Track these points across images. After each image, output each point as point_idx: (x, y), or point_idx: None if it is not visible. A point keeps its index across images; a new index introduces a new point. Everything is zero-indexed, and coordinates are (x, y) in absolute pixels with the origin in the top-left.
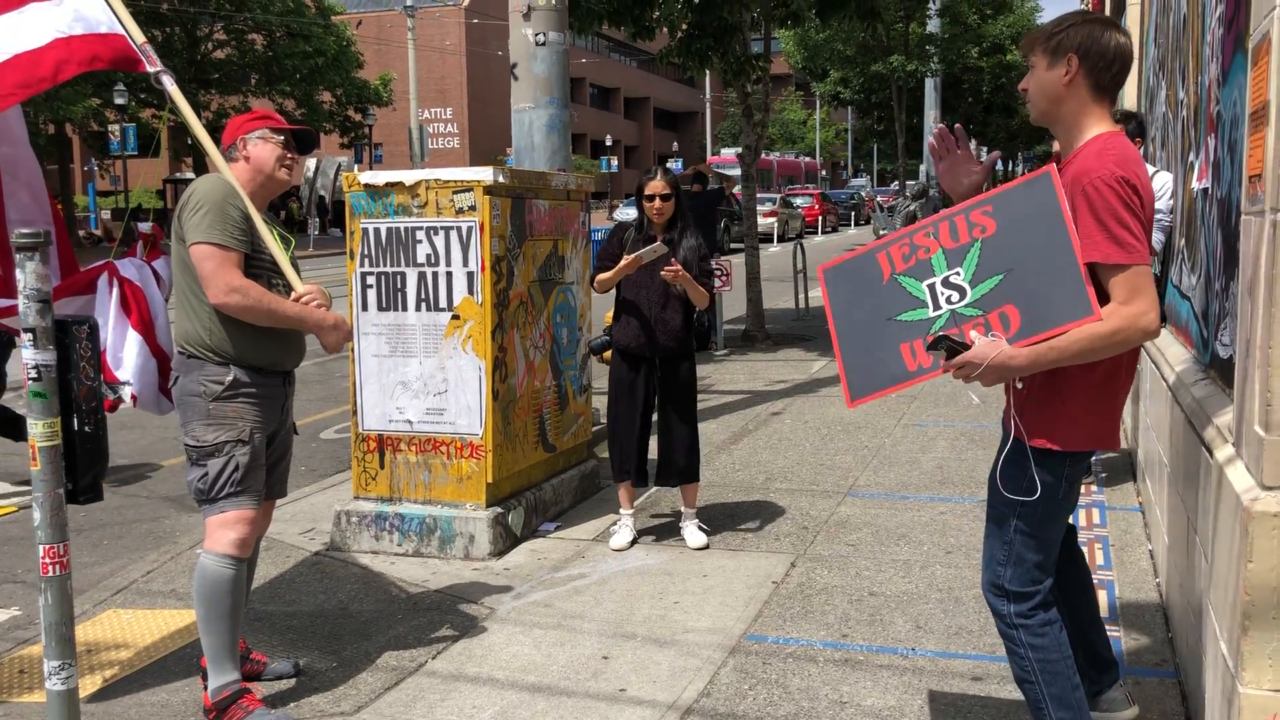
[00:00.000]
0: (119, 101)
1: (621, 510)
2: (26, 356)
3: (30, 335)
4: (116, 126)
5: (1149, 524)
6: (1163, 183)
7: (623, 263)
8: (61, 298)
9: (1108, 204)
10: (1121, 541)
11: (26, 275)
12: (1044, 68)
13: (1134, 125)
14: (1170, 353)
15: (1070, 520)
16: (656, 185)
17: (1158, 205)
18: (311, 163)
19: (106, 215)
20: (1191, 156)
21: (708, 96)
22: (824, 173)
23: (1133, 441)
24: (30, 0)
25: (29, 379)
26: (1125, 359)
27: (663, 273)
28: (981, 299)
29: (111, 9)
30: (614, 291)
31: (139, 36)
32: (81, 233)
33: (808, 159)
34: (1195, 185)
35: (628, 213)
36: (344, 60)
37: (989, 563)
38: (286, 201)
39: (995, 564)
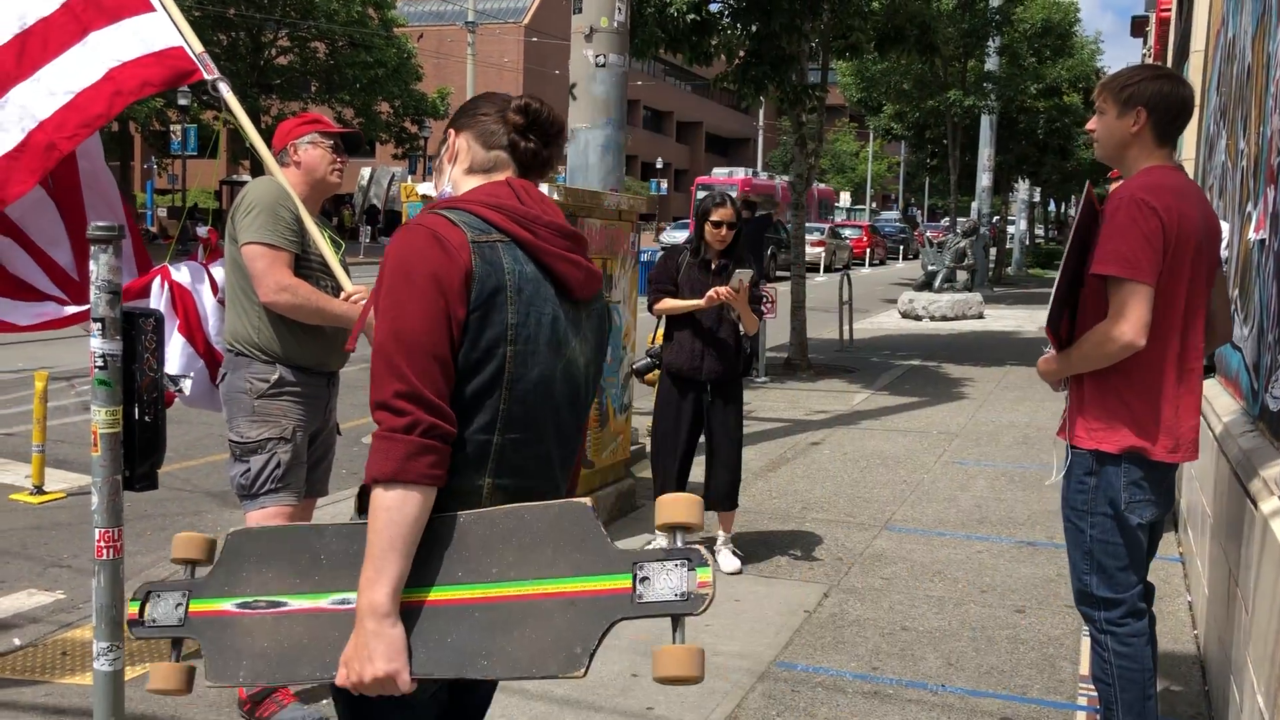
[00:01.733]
0: (182, 103)
1: (659, 530)
2: (94, 345)
3: (99, 325)
4: (178, 127)
5: (1189, 575)
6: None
7: (720, 294)
8: (124, 300)
9: (1117, 221)
10: (1161, 592)
11: (99, 267)
12: (1114, 115)
13: None
14: (1219, 403)
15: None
16: (726, 213)
17: None
18: (365, 171)
19: (163, 213)
20: (1250, 207)
21: (760, 124)
22: (843, 203)
23: (1176, 491)
24: (90, 29)
25: (95, 367)
26: (1168, 366)
27: (722, 290)
28: None
29: (172, 20)
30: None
31: (197, 46)
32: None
33: (822, 186)
34: (1252, 236)
35: (675, 236)
36: (404, 72)
37: (1074, 573)
38: (340, 208)
39: (1080, 574)
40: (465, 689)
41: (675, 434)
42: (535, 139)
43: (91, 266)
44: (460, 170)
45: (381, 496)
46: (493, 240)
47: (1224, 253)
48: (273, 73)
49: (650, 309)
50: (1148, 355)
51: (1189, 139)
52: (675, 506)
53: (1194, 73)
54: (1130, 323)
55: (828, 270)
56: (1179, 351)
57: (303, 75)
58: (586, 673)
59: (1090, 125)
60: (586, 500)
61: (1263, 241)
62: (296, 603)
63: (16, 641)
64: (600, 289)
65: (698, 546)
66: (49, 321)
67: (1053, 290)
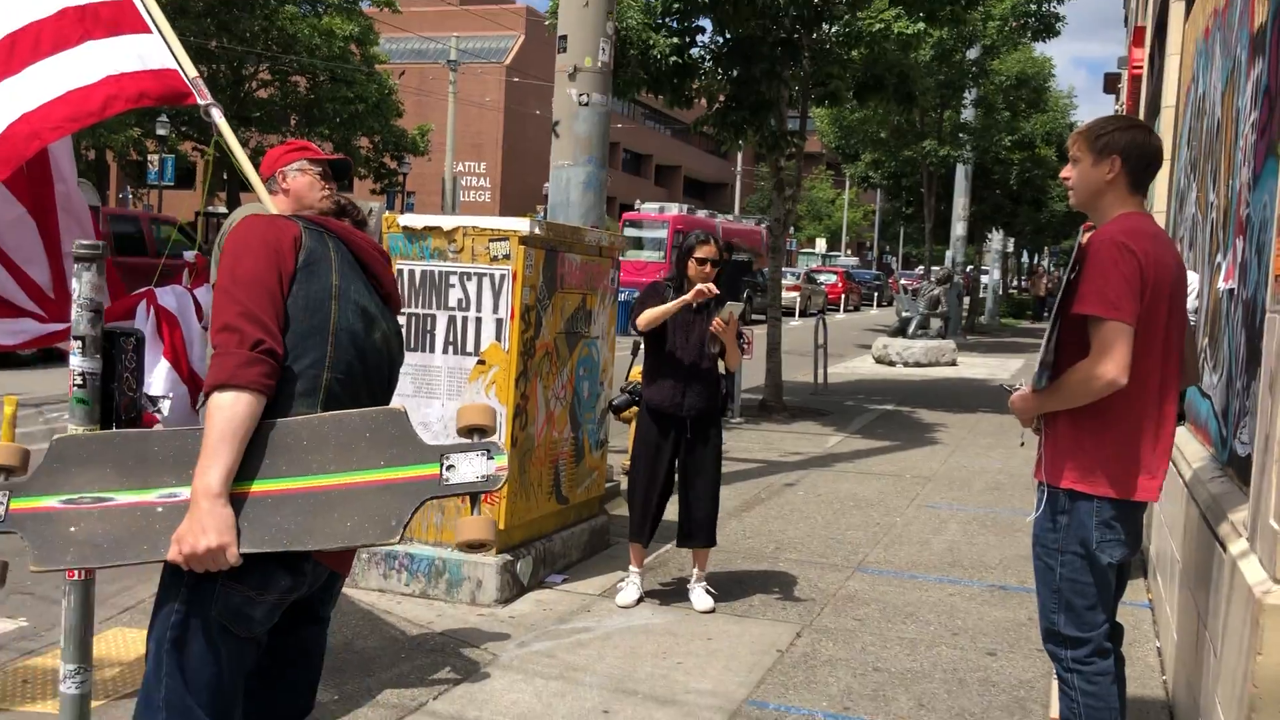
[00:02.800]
0: (160, 133)
1: (631, 568)
2: (74, 363)
3: (80, 343)
4: (156, 157)
5: (1158, 621)
6: (1190, 282)
7: (715, 326)
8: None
9: (1098, 262)
10: (1130, 637)
11: (82, 285)
12: (1089, 163)
13: None
14: (1188, 450)
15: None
16: (710, 250)
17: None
18: None
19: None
20: (1219, 258)
21: (739, 169)
22: (819, 249)
23: (1145, 538)
24: (88, 38)
25: (74, 385)
26: (1145, 406)
27: (713, 324)
28: None
29: (167, 44)
30: (640, 350)
31: (191, 70)
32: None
33: (743, 223)
34: (1221, 285)
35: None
36: (384, 108)
37: (1042, 612)
38: None
39: (1048, 612)
40: (287, 628)
41: (654, 470)
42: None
43: (74, 284)
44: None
45: (217, 398)
46: (317, 229)
47: (1194, 302)
48: (252, 105)
49: (631, 324)
50: (1125, 394)
51: (1160, 191)
52: (471, 411)
53: (1165, 128)
54: (1114, 361)
55: (803, 314)
56: (1155, 392)
57: (283, 109)
58: (400, 540)
59: (1065, 173)
60: (400, 406)
61: (1231, 290)
62: (123, 497)
63: None
64: (400, 308)
65: (494, 440)
66: (29, 340)
67: (1045, 337)
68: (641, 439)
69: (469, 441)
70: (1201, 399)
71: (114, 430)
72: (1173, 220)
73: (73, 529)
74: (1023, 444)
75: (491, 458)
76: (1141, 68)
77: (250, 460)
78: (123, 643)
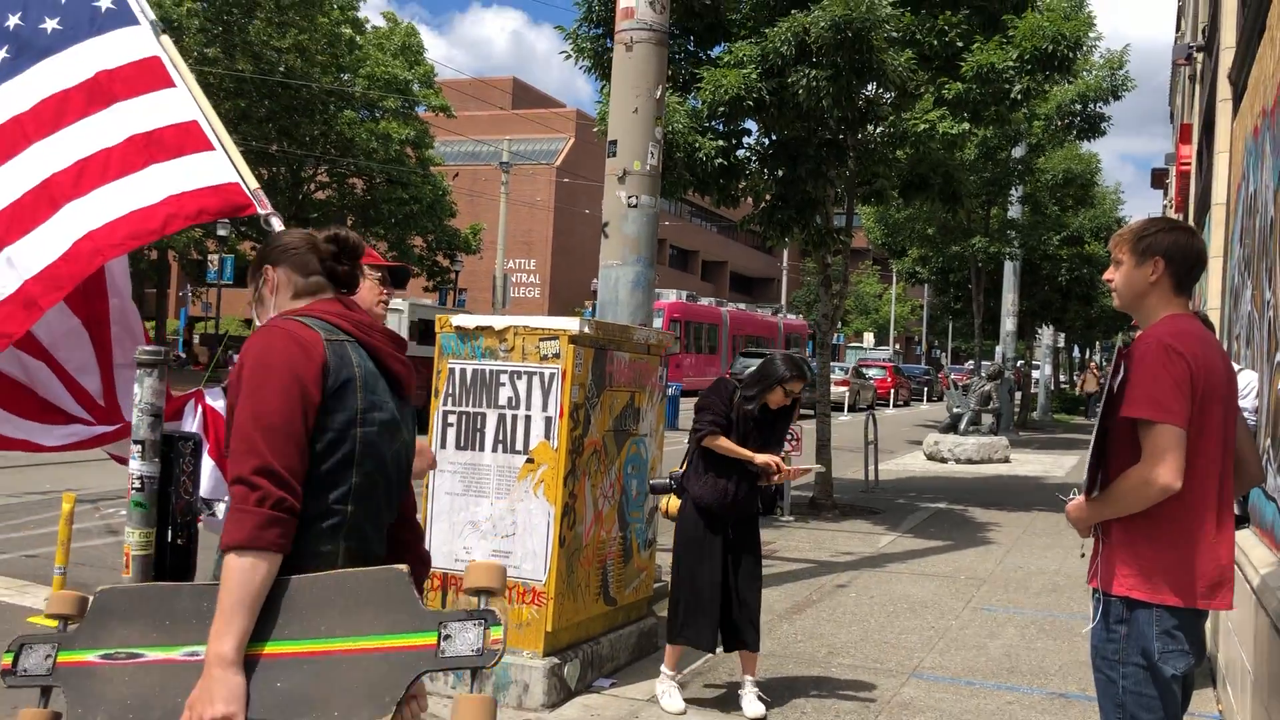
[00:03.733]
0: (220, 233)
1: (666, 670)
2: (133, 467)
3: (139, 446)
4: (216, 257)
5: None
6: (1246, 381)
7: (791, 473)
8: None
9: (1146, 365)
10: None
11: (143, 390)
12: (1131, 265)
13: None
14: (1254, 555)
15: None
16: (798, 386)
17: (1242, 404)
18: (398, 303)
19: (196, 339)
20: (1279, 356)
21: (784, 264)
22: (867, 344)
23: (1213, 646)
24: (152, 162)
25: (132, 488)
26: (1202, 510)
27: (792, 470)
28: None
29: (230, 158)
30: (688, 444)
31: (252, 183)
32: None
33: (792, 317)
34: None
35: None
36: (438, 208)
37: None
38: None
39: None
40: None
41: (712, 574)
42: (346, 261)
43: (136, 389)
44: (285, 298)
45: (234, 561)
46: (341, 340)
47: (1253, 402)
48: (311, 206)
49: (700, 439)
50: (1180, 500)
51: (1214, 288)
52: (479, 572)
53: (1216, 225)
54: (1167, 466)
55: (851, 409)
56: (1213, 495)
57: (340, 209)
58: (393, 717)
59: (1108, 275)
60: (402, 567)
61: None
62: (152, 654)
63: None
64: (412, 392)
65: (494, 609)
66: (77, 442)
67: (1091, 444)
68: (691, 538)
69: (467, 611)
70: (1266, 502)
71: (150, 584)
72: (1228, 318)
73: (107, 686)
74: (1082, 555)
75: (488, 628)
76: (1189, 164)
77: (263, 620)
78: None
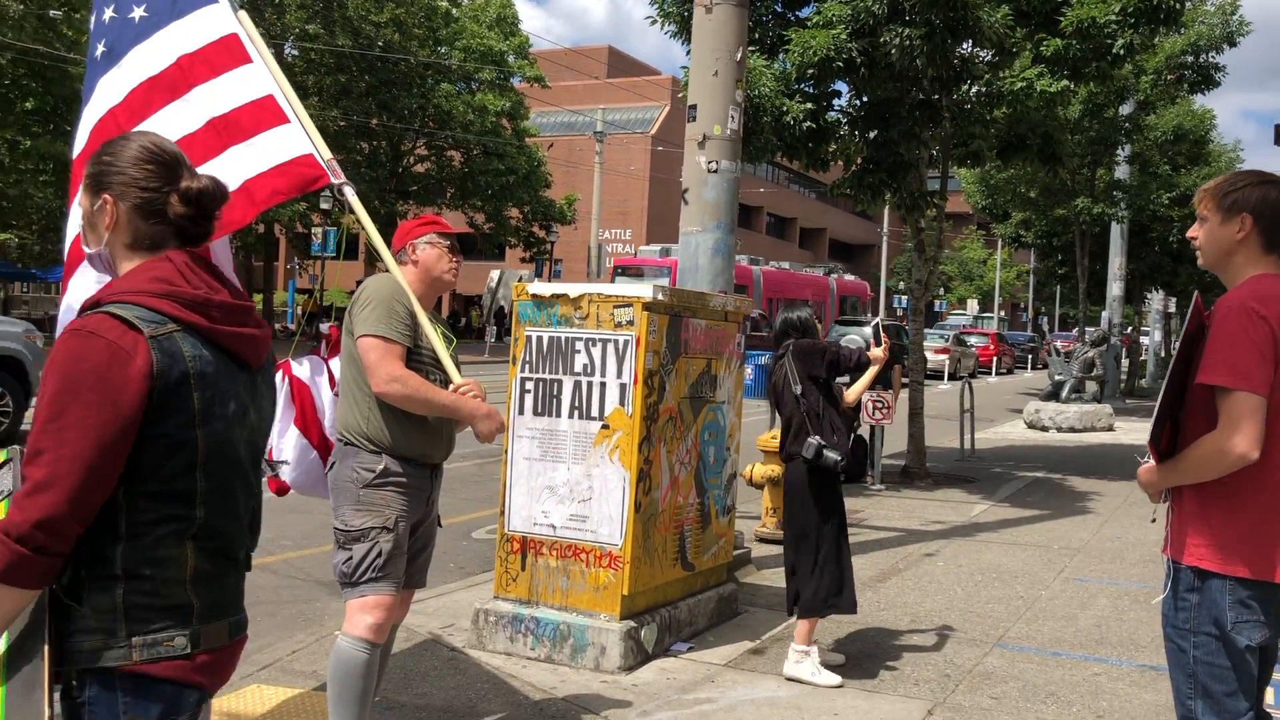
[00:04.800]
0: (324, 206)
1: (801, 647)
2: None
3: None
4: (319, 229)
5: None
6: None
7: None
8: None
9: (1226, 329)
10: None
11: None
12: (1217, 222)
13: None
14: None
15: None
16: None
17: None
18: (495, 274)
19: (300, 311)
20: None
21: (884, 230)
22: (971, 310)
23: None
24: (230, 144)
25: None
26: (1278, 480)
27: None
28: None
29: (305, 129)
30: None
31: (326, 153)
32: (278, 326)
33: (849, 277)
34: None
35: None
36: (534, 179)
37: (1178, 698)
38: (469, 309)
39: (1184, 699)
40: None
41: (846, 535)
42: (201, 220)
43: None
44: (121, 244)
45: None
46: (169, 332)
47: None
48: (410, 179)
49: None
50: (1257, 468)
51: None
52: None
53: None
54: (1244, 434)
55: (952, 378)
56: None
57: (438, 182)
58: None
59: (1192, 233)
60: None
61: None
62: None
63: None
64: (270, 349)
65: None
66: None
67: (1158, 402)
68: (827, 503)
69: None
70: None
71: None
72: None
73: None
74: (1154, 520)
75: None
76: None
77: None
78: (259, 699)
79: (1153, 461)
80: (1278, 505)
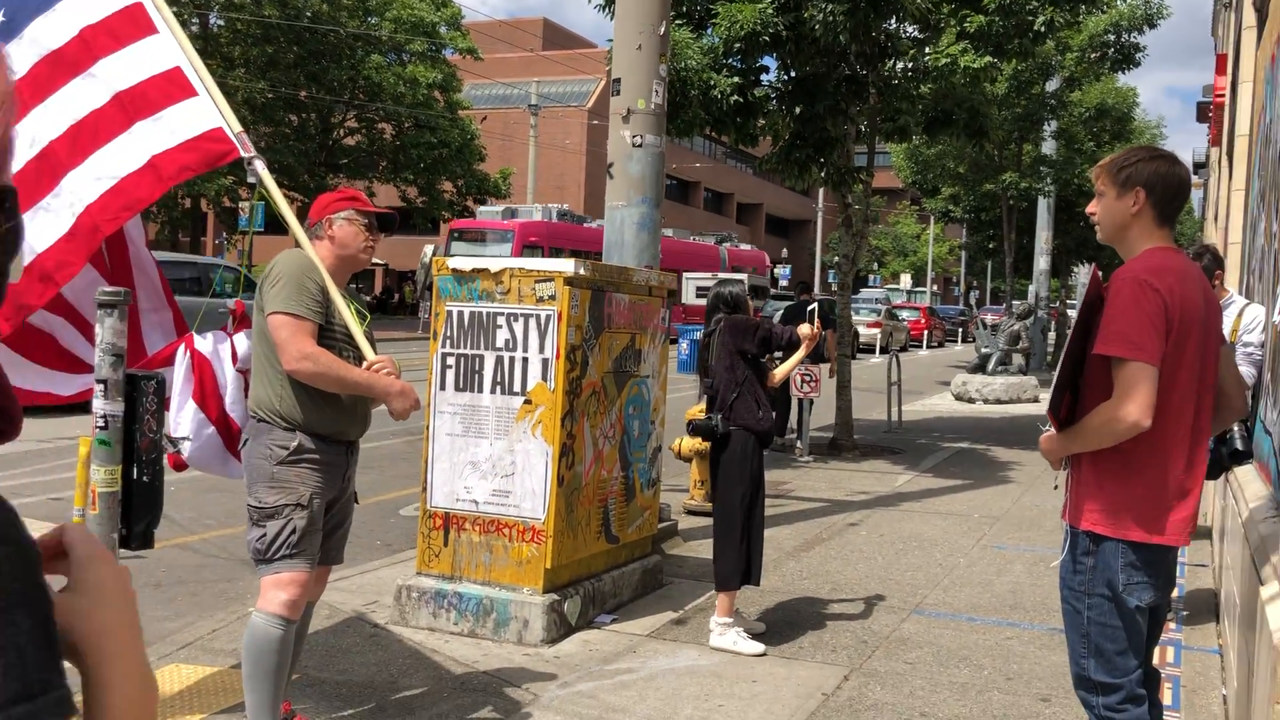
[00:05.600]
0: (251, 180)
1: (728, 619)
2: (96, 406)
3: (102, 386)
4: (247, 204)
5: (1225, 667)
6: (1254, 316)
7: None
8: (151, 368)
9: (1120, 301)
10: (1194, 683)
11: (104, 330)
12: (1113, 196)
13: (1209, 259)
14: (1249, 489)
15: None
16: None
17: (1248, 339)
18: (428, 249)
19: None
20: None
21: (820, 206)
22: (904, 285)
23: (1217, 580)
24: (136, 118)
25: (97, 427)
26: (1169, 447)
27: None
28: None
29: (214, 102)
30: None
31: (235, 126)
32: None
33: (744, 247)
34: (1277, 318)
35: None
36: (467, 153)
37: (1073, 657)
38: (402, 285)
39: (1078, 657)
40: None
41: (763, 507)
42: None
43: (97, 330)
44: None
45: None
46: None
47: (1259, 336)
48: (341, 152)
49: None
50: (1149, 436)
51: (1235, 223)
52: None
53: (1240, 157)
54: (1136, 403)
55: (884, 351)
56: (1184, 433)
57: (369, 155)
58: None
59: (1091, 208)
60: None
61: None
62: None
63: None
64: None
65: None
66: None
67: (1057, 371)
68: (749, 473)
69: None
70: (1265, 435)
71: None
72: (1246, 251)
73: None
74: (1056, 487)
75: None
76: (1224, 96)
77: None
78: (178, 678)
79: (1053, 430)
80: (1169, 472)
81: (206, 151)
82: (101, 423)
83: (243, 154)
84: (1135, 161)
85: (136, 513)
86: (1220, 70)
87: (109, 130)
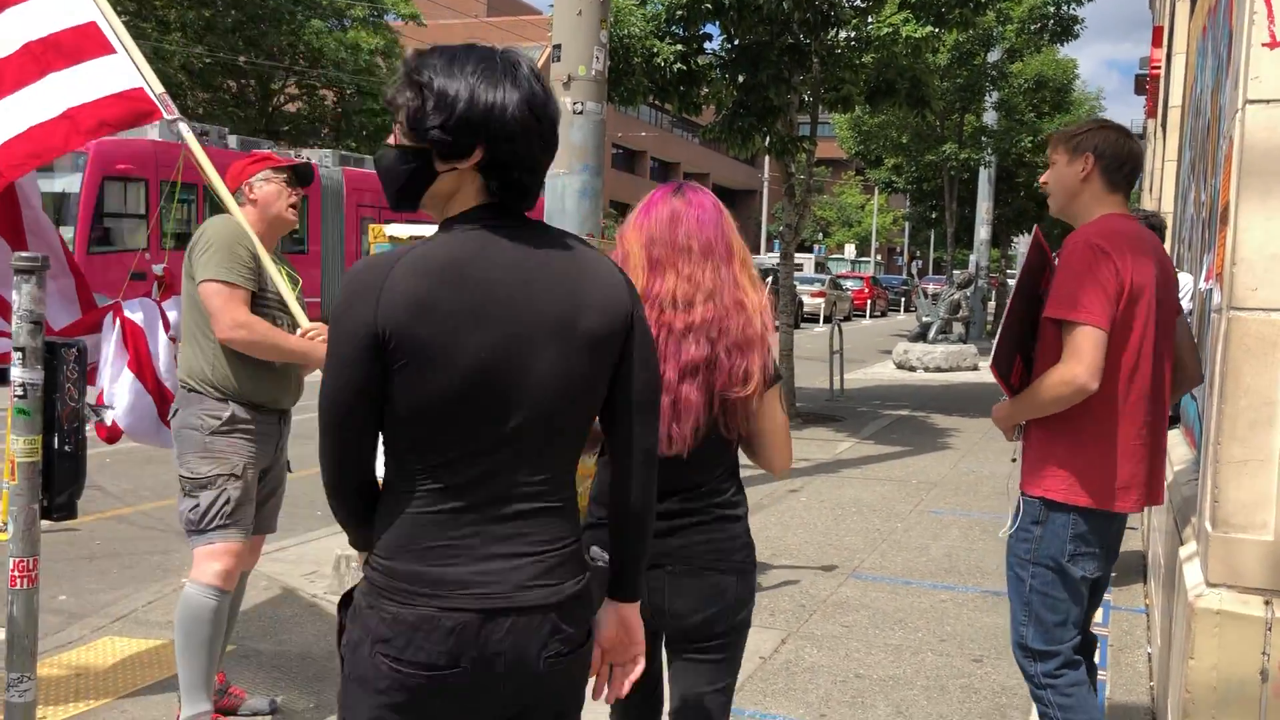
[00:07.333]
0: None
1: None
2: (14, 374)
3: (20, 354)
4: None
5: (1150, 627)
6: (1183, 284)
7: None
8: (75, 335)
9: (1071, 265)
10: (1121, 643)
11: (22, 297)
12: (1064, 164)
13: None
14: (1176, 453)
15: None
16: None
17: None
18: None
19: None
20: (1205, 257)
21: (765, 176)
22: (848, 255)
23: (1145, 543)
24: (49, 70)
25: (15, 396)
26: (1120, 414)
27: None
28: None
29: (133, 61)
30: None
31: (157, 87)
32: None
33: None
34: (1203, 285)
35: None
36: None
37: (1014, 623)
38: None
39: (1018, 624)
40: None
41: None
42: None
43: (14, 296)
44: None
45: None
46: None
47: (1188, 304)
48: (281, 119)
49: None
50: (1100, 401)
51: (1168, 193)
52: None
53: (1173, 128)
54: (1084, 365)
55: (827, 321)
56: (1137, 399)
57: (311, 122)
58: None
59: (1044, 179)
60: None
61: (1212, 290)
62: None
63: None
64: None
65: None
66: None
67: (998, 332)
68: None
69: None
70: (1190, 401)
71: None
72: (1177, 221)
73: None
74: (1014, 459)
75: None
76: (1160, 68)
77: None
78: (112, 650)
79: (1004, 400)
80: (1120, 438)
81: (126, 110)
82: (20, 391)
83: (165, 116)
84: (1086, 130)
85: (58, 483)
86: (1156, 43)
87: (18, 79)
